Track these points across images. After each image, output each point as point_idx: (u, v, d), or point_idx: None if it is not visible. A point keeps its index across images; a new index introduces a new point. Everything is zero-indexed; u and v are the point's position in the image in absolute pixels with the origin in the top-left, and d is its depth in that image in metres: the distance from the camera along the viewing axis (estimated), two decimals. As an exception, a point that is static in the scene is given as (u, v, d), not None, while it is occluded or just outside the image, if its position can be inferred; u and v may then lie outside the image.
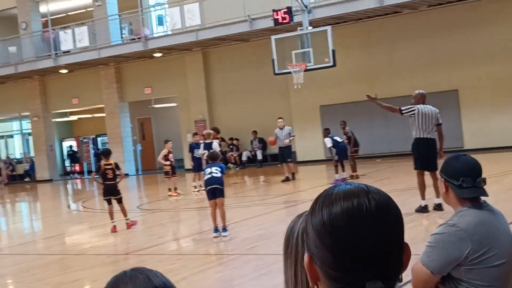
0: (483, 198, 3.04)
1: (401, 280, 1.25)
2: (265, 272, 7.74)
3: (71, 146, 33.47)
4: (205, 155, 16.33)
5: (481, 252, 2.89)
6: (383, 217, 1.22)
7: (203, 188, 18.36)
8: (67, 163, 33.79)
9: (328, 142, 16.83)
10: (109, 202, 12.31)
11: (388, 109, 10.94)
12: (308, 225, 1.28)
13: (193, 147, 18.78)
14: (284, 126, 19.29)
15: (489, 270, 2.90)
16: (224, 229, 10.40)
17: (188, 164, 21.27)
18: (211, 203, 10.36)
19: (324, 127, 24.08)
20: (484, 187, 3.01)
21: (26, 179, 32.42)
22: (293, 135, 19.39)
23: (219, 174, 10.24)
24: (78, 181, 30.75)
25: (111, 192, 12.25)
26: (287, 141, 19.00)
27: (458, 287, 2.92)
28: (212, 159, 10.71)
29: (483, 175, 3.00)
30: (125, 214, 12.48)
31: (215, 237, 10.37)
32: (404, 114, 10.80)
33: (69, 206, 20.64)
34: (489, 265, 2.90)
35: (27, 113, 32.14)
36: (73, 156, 33.06)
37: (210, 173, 10.25)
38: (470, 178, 2.95)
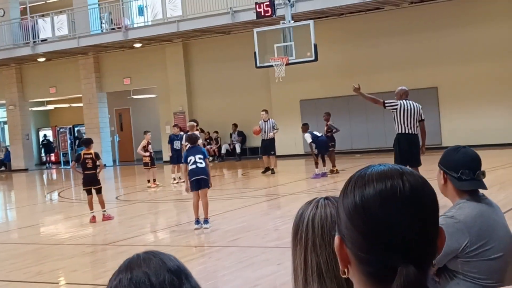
0: (481, 191, 3.04)
1: (434, 265, 1.22)
2: (248, 264, 7.72)
3: (45, 136, 33.07)
4: (185, 139, 16.26)
5: (479, 244, 2.88)
6: (418, 200, 1.18)
7: (182, 180, 18.40)
8: (42, 152, 33.39)
9: (308, 137, 16.85)
10: (89, 192, 12.18)
11: (372, 100, 10.97)
12: (339, 207, 1.25)
13: (172, 138, 18.70)
14: (268, 119, 19.35)
15: (486, 263, 2.90)
16: (206, 221, 10.35)
17: (167, 155, 21.14)
18: (195, 193, 10.29)
19: (303, 122, 24.21)
20: (483, 179, 3.01)
21: (1, 169, 32.00)
22: (277, 129, 19.42)
23: (203, 164, 10.16)
24: (54, 171, 30.44)
25: (91, 181, 12.12)
26: (271, 134, 19.06)
27: (454, 279, 2.92)
28: (192, 142, 10.60)
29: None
30: (103, 205, 12.36)
31: (196, 229, 10.31)
32: (387, 107, 10.83)
33: (45, 196, 20.41)
34: (486, 258, 2.90)
35: (3, 102, 31.71)
36: (48, 146, 32.65)
37: (195, 162, 10.13)
38: (470, 170, 2.93)
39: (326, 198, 1.81)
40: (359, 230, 1.19)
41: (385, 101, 10.84)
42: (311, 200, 1.82)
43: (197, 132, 17.99)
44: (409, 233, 1.16)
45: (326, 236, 1.72)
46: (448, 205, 3.05)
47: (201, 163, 10.13)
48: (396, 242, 1.16)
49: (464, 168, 2.94)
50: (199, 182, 10.18)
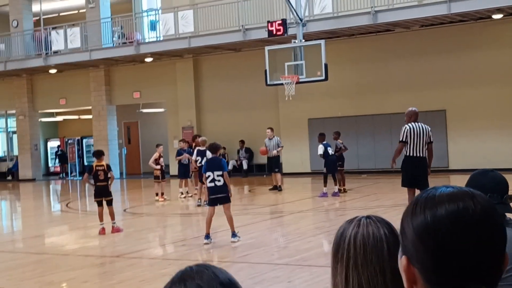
0: (508, 215, 3.07)
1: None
2: (259, 280, 7.78)
3: (59, 146, 33.21)
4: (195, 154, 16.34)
5: (507, 268, 2.91)
6: (489, 222, 1.21)
7: (190, 195, 18.49)
8: (52, 163, 33.46)
9: (320, 149, 16.84)
10: (100, 204, 12.27)
11: (398, 152, 10.97)
12: (407, 227, 1.27)
13: (180, 153, 18.78)
14: (273, 137, 19.47)
15: None
16: (234, 235, 10.37)
17: (174, 170, 21.21)
18: (210, 208, 10.37)
19: (310, 140, 24.33)
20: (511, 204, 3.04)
21: (9, 178, 32.12)
22: (281, 146, 19.52)
23: (221, 182, 10.21)
24: (64, 181, 30.54)
25: (102, 193, 12.22)
26: (275, 151, 19.19)
27: None
28: (213, 151, 10.62)
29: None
30: (112, 217, 12.44)
31: (205, 243, 10.36)
32: (402, 140, 10.84)
33: (56, 206, 20.51)
34: None
35: (13, 111, 31.91)
36: (62, 157, 32.78)
37: (213, 180, 10.22)
38: (497, 194, 2.96)
39: (368, 217, 1.85)
40: (429, 251, 1.22)
41: (399, 140, 10.89)
42: (352, 219, 1.87)
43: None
44: (480, 254, 1.20)
45: (368, 254, 1.76)
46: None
47: (219, 180, 10.19)
48: (467, 263, 1.19)
49: (492, 192, 2.94)
50: (217, 199, 10.28)
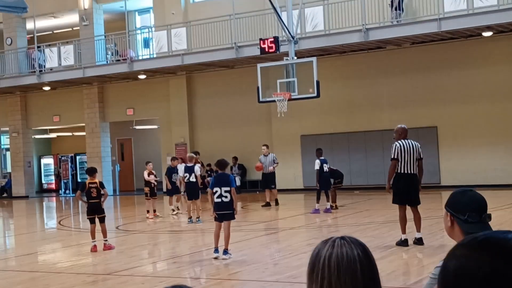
0: None
1: None
2: (249, 297, 7.82)
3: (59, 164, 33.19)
4: (197, 170, 16.38)
5: None
6: None
7: (181, 212, 18.51)
8: (45, 180, 33.42)
9: (317, 164, 16.92)
10: (92, 221, 12.30)
11: (392, 171, 11.04)
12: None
13: (171, 171, 18.82)
14: (268, 153, 19.66)
15: None
16: (225, 252, 10.42)
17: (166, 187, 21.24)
18: (217, 224, 10.45)
19: (303, 157, 24.43)
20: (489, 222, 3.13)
21: (4, 195, 32.06)
22: (277, 162, 19.69)
23: (228, 198, 10.27)
24: (54, 198, 30.49)
25: (94, 210, 12.25)
26: (271, 168, 19.35)
27: None
28: (221, 167, 10.67)
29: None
30: (105, 234, 12.46)
31: (215, 258, 10.40)
32: (394, 158, 10.96)
33: (47, 224, 20.48)
34: None
35: (7, 128, 31.92)
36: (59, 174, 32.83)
37: (220, 196, 10.28)
38: (476, 213, 3.03)
39: (342, 237, 1.91)
40: None
41: (391, 159, 11.00)
42: (327, 239, 1.93)
43: (198, 165, 18.21)
44: None
45: (341, 275, 1.80)
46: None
47: (226, 197, 10.25)
48: None
49: (471, 211, 3.01)
50: (223, 216, 10.35)
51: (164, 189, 20.84)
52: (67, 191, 31.34)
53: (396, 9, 21.09)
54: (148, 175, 18.22)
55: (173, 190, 18.62)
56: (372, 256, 1.91)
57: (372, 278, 1.87)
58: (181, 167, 17.44)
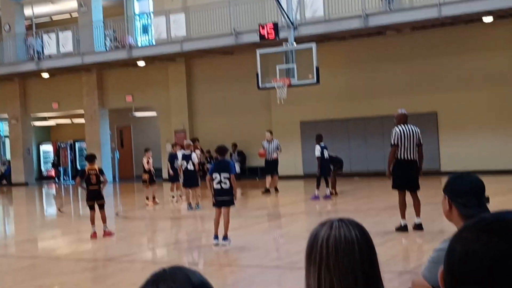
0: None
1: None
2: (248, 283, 7.82)
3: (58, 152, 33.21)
4: (194, 157, 16.34)
5: None
6: None
7: (176, 199, 18.46)
8: (45, 167, 33.43)
9: (317, 150, 16.86)
10: (92, 208, 12.29)
11: (392, 157, 10.99)
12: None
13: (172, 157, 18.78)
14: (272, 139, 19.62)
15: None
16: (225, 238, 10.41)
17: (166, 173, 21.21)
18: (217, 210, 10.43)
19: (303, 143, 24.40)
20: (488, 205, 3.11)
21: (3, 182, 32.06)
22: (280, 149, 19.68)
23: (227, 184, 10.24)
24: (53, 185, 30.51)
25: (94, 197, 12.24)
26: (275, 154, 19.36)
27: None
28: (221, 153, 10.63)
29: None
30: (104, 221, 12.46)
31: (215, 244, 10.40)
32: (394, 144, 10.91)
33: (47, 211, 20.50)
34: None
35: (6, 116, 31.86)
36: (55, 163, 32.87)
37: (219, 182, 10.25)
38: (474, 196, 3.02)
39: (340, 219, 1.90)
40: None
41: (391, 144, 10.95)
42: (325, 221, 1.91)
43: (198, 151, 18.20)
44: None
45: (339, 256, 1.80)
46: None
47: (225, 183, 10.21)
48: None
49: (469, 194, 3.02)
50: (222, 202, 10.34)
51: (165, 176, 20.84)
52: (65, 178, 31.36)
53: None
54: (147, 163, 18.18)
55: (175, 177, 18.52)
56: (370, 238, 1.89)
57: (370, 260, 1.85)
58: (180, 154, 17.37)
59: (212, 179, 10.35)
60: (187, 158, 16.36)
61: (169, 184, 19.37)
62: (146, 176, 18.12)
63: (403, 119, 11.18)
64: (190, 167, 16.28)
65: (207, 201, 16.38)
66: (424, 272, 3.08)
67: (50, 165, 33.26)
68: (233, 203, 10.46)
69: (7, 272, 9.52)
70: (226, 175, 10.22)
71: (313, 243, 1.89)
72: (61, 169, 31.94)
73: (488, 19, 20.65)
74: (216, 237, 10.43)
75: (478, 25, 21.30)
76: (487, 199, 3.08)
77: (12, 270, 9.69)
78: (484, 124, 21.49)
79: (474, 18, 20.71)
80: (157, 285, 1.39)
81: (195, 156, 16.61)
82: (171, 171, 18.50)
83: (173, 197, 18.74)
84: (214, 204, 10.46)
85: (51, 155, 33.34)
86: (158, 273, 1.44)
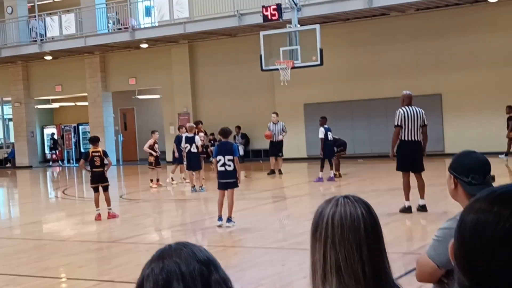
0: None
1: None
2: (253, 264, 7.85)
3: (53, 134, 33.22)
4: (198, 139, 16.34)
5: None
6: None
7: (187, 181, 18.47)
8: (49, 150, 33.51)
9: (321, 132, 16.85)
10: (96, 190, 12.32)
11: (396, 138, 10.96)
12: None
13: (179, 138, 18.73)
14: (278, 121, 19.63)
15: None
16: (229, 220, 10.45)
17: (171, 156, 21.23)
18: (221, 192, 10.46)
19: (306, 125, 24.36)
20: (493, 184, 3.09)
21: (7, 165, 32.15)
22: (286, 131, 19.69)
23: (231, 167, 10.26)
24: (57, 168, 30.59)
25: (99, 179, 12.26)
26: (280, 136, 19.38)
27: (455, 282, 2.99)
28: (225, 135, 10.64)
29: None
30: (108, 203, 12.49)
31: (219, 226, 10.43)
32: (398, 125, 10.87)
33: (50, 193, 20.57)
34: None
35: (9, 98, 31.87)
36: (54, 144, 32.89)
37: (224, 164, 10.27)
38: (480, 175, 3.00)
39: (346, 196, 1.90)
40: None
41: (395, 125, 10.90)
42: (331, 198, 1.91)
43: (201, 134, 18.18)
44: None
45: (345, 233, 1.81)
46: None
47: (229, 165, 10.24)
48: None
49: (474, 172, 3.00)
50: (227, 184, 10.36)
51: (169, 159, 20.81)
52: (71, 161, 31.43)
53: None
54: (153, 144, 18.16)
55: (178, 159, 18.47)
56: (376, 215, 1.89)
57: (376, 236, 1.85)
58: (183, 137, 17.32)
59: (216, 162, 10.38)
60: (190, 140, 16.34)
61: (172, 166, 19.37)
62: (152, 159, 18.12)
63: (407, 100, 11.14)
64: (194, 149, 16.28)
65: (210, 183, 16.41)
66: (429, 251, 3.06)
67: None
68: (237, 185, 10.49)
69: (12, 254, 9.56)
70: (230, 157, 10.25)
71: (318, 220, 1.89)
72: (65, 152, 31.95)
73: (493, -1, 20.50)
74: (220, 218, 10.46)
75: (482, 5, 21.15)
76: (493, 178, 3.06)
77: (17, 252, 9.73)
78: (488, 106, 21.41)
79: (479, -1, 20.57)
80: (163, 260, 1.41)
81: (198, 139, 16.59)
82: (176, 153, 18.45)
83: (172, 179, 18.72)
84: (218, 187, 10.49)
85: (56, 137, 33.38)
86: (164, 249, 1.46)
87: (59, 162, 32.16)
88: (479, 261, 1.16)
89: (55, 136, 33.02)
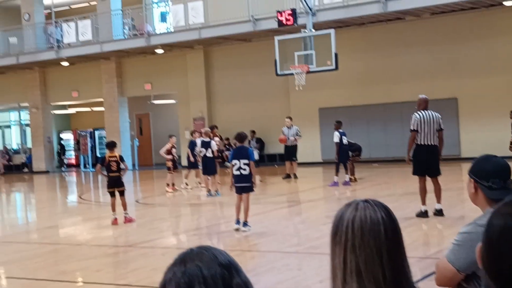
0: None
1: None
2: (269, 268, 7.85)
3: (61, 140, 33.54)
4: (214, 145, 16.40)
5: None
6: None
7: (196, 186, 18.52)
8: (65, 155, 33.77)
9: (336, 137, 16.83)
10: (112, 195, 12.39)
11: (411, 143, 10.93)
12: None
13: (193, 143, 18.79)
14: (291, 125, 19.65)
15: None
16: (245, 224, 10.52)
17: (185, 160, 21.29)
18: (238, 196, 10.55)
19: (321, 129, 24.34)
20: None
21: (25, 170, 32.43)
22: (300, 135, 19.69)
23: (247, 171, 10.34)
24: (74, 173, 30.79)
25: (115, 184, 12.34)
26: (292, 138, 19.41)
27: (482, 286, 2.97)
28: (240, 139, 10.73)
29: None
30: (125, 207, 12.56)
31: (236, 229, 10.51)
32: (414, 129, 10.86)
33: (68, 198, 20.71)
34: None
35: (26, 104, 32.15)
36: (62, 149, 33.26)
37: (239, 168, 10.35)
38: (500, 179, 2.98)
39: (366, 200, 1.89)
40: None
41: (410, 130, 10.89)
42: (350, 202, 1.91)
43: (216, 138, 18.23)
44: None
45: (365, 237, 1.80)
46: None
47: (245, 169, 10.32)
48: None
49: (495, 177, 2.98)
50: (242, 188, 10.44)
51: (184, 163, 20.88)
52: (64, 168, 31.65)
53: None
54: (171, 149, 18.27)
55: (193, 164, 18.52)
56: (396, 219, 1.89)
57: (396, 241, 1.85)
58: (199, 142, 17.39)
59: (232, 166, 10.44)
60: (206, 145, 16.40)
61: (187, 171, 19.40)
62: (170, 163, 18.22)
63: (423, 105, 11.10)
64: (209, 154, 16.33)
65: (226, 188, 16.43)
66: (448, 255, 3.04)
67: (70, 152, 33.53)
68: (252, 190, 10.53)
69: (30, 258, 9.64)
70: (246, 161, 10.31)
71: (338, 224, 1.89)
72: (82, 157, 32.16)
73: (509, 3, 20.38)
74: (237, 221, 10.56)
75: (498, 9, 21.05)
76: None
77: (34, 256, 9.81)
78: (504, 110, 21.24)
79: (494, 2, 20.48)
80: (185, 264, 1.42)
81: (214, 144, 16.63)
82: (191, 158, 18.49)
83: (186, 184, 18.77)
84: (235, 191, 10.55)
85: (71, 143, 33.63)
86: (185, 252, 1.47)
87: (62, 168, 32.37)
88: (506, 265, 1.17)
89: (62, 142, 33.33)
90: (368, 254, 1.80)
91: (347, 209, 1.89)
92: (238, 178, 10.41)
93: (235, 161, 10.38)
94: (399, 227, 1.88)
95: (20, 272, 8.70)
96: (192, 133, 19.67)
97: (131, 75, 29.08)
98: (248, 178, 10.37)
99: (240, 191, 10.48)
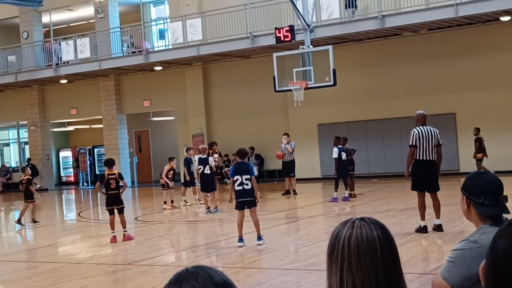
0: (504, 215, 3.12)
1: None
2: (268, 285, 7.83)
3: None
4: (212, 160, 16.41)
5: None
6: None
7: (195, 203, 18.49)
8: (63, 173, 33.70)
9: (335, 153, 16.84)
10: (111, 212, 12.37)
11: (410, 158, 10.96)
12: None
13: (188, 161, 18.76)
14: (289, 142, 19.72)
15: None
16: (259, 238, 10.54)
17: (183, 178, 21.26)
18: (240, 212, 10.52)
19: (320, 146, 24.36)
20: (506, 204, 3.09)
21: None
22: (293, 148, 19.74)
23: (249, 186, 10.37)
24: (73, 191, 30.73)
25: (114, 201, 12.32)
26: (292, 156, 19.41)
27: None
28: (241, 156, 10.76)
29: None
30: (124, 225, 12.53)
31: (239, 246, 10.48)
32: (412, 145, 10.87)
33: (67, 216, 20.64)
34: None
35: (25, 122, 32.17)
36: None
37: (241, 183, 10.37)
38: (492, 195, 2.99)
39: (362, 219, 1.89)
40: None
41: (409, 145, 10.91)
42: (347, 220, 1.91)
43: (216, 155, 18.22)
44: None
45: (361, 255, 1.80)
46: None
47: (247, 184, 10.37)
48: None
49: (487, 193, 2.99)
50: (244, 203, 10.44)
51: (182, 180, 20.84)
52: (85, 184, 31.55)
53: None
54: (169, 171, 18.24)
55: (189, 182, 18.49)
56: (392, 237, 1.89)
57: (393, 259, 1.85)
58: (196, 159, 17.36)
59: (234, 182, 10.45)
60: (204, 162, 16.38)
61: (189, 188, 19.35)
62: (162, 181, 18.20)
63: (421, 120, 11.13)
64: (207, 171, 16.31)
65: (225, 204, 16.41)
66: (442, 272, 3.06)
67: (70, 170, 33.50)
68: (255, 204, 10.56)
69: (29, 277, 9.60)
70: (247, 176, 10.35)
71: (334, 242, 1.89)
72: (81, 175, 32.11)
73: (505, 18, 20.49)
74: (240, 239, 10.50)
75: (495, 25, 21.15)
76: (506, 198, 3.06)
77: (33, 275, 9.77)
78: (503, 125, 21.32)
79: (491, 18, 20.58)
80: (180, 284, 1.42)
81: (212, 160, 16.62)
82: (187, 176, 18.44)
83: (185, 201, 18.72)
84: (236, 207, 10.53)
85: (70, 160, 33.61)
86: (181, 272, 1.47)
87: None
88: (510, 286, 1.17)
89: (70, 160, 33.34)
90: (365, 273, 1.80)
91: (343, 227, 1.89)
92: (240, 193, 10.43)
93: (237, 177, 10.42)
94: (395, 245, 1.88)
95: (19, 291, 8.65)
96: (187, 150, 19.47)
97: (129, 92, 29.14)
98: (251, 192, 10.40)
99: (242, 206, 10.48)
